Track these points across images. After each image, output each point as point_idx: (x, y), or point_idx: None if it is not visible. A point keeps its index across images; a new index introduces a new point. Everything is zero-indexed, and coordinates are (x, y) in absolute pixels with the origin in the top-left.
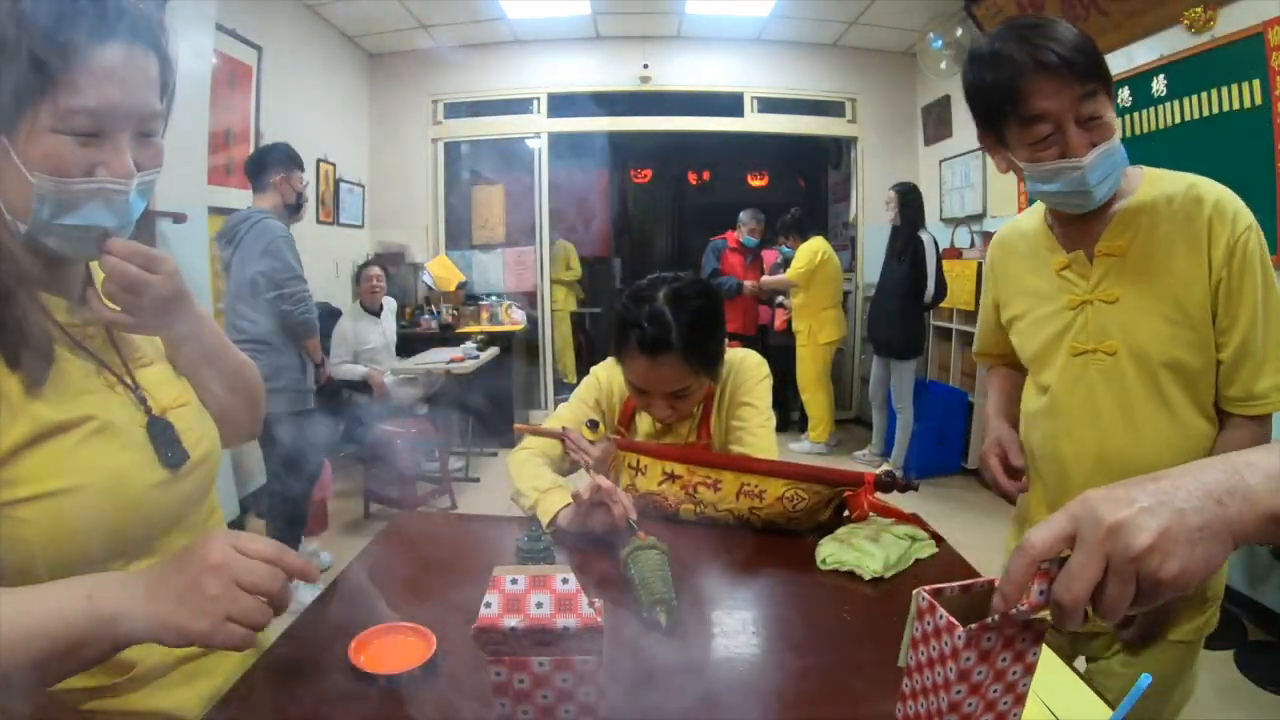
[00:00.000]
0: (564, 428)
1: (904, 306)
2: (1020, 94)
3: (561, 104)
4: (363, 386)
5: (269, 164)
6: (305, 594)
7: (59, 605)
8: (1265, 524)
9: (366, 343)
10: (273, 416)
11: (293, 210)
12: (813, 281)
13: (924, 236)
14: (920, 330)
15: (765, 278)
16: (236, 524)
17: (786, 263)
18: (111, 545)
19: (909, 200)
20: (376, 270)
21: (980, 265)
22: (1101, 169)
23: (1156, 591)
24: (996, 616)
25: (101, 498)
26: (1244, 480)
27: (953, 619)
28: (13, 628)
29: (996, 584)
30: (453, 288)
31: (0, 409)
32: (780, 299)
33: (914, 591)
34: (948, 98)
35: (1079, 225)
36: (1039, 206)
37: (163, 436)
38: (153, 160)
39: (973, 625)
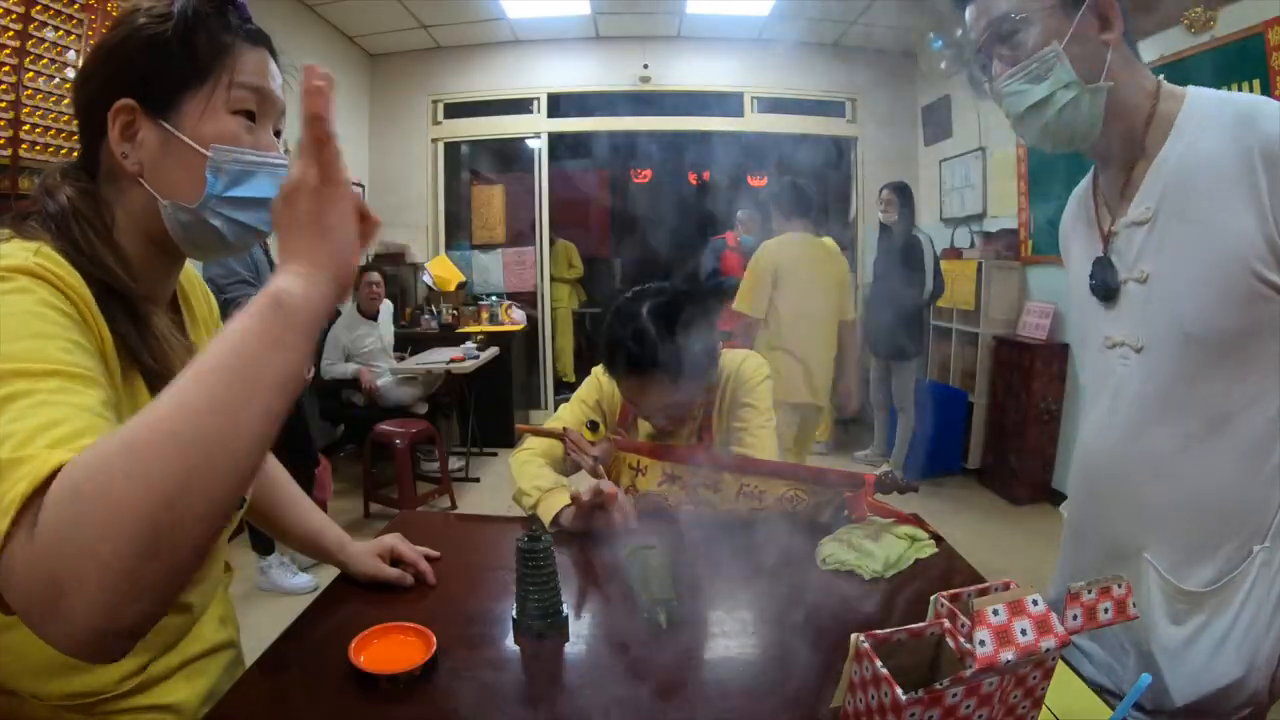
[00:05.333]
0: (565, 428)
1: (905, 306)
2: None
3: (561, 104)
4: (354, 384)
5: None
6: (303, 584)
7: None
8: None
9: (362, 347)
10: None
11: None
12: None
13: (920, 235)
14: (920, 329)
15: None
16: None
17: None
18: None
19: (908, 199)
20: (375, 276)
21: (980, 264)
22: None
23: None
24: (945, 681)
25: None
26: None
27: (892, 680)
28: None
29: None
30: (453, 288)
31: (135, 402)
32: None
33: (852, 636)
34: (948, 98)
35: None
36: None
37: None
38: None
39: (919, 691)
